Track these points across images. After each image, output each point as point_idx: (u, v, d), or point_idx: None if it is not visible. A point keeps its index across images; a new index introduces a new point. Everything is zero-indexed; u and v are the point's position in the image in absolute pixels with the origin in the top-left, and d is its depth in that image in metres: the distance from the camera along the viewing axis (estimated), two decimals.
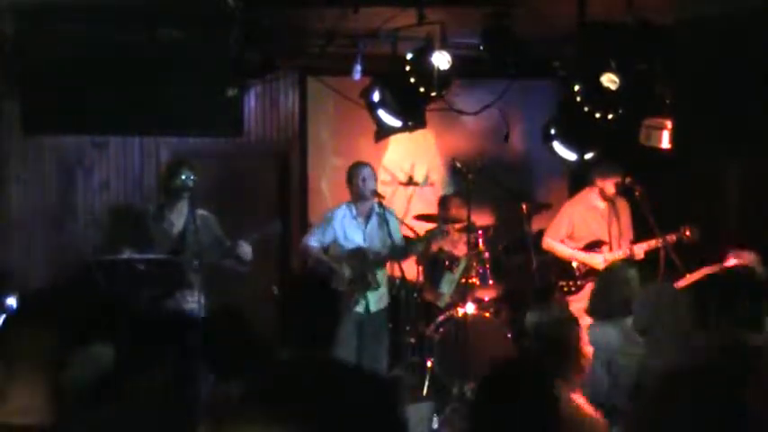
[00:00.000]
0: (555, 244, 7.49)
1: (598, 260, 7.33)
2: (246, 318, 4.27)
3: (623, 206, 7.43)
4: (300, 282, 4.26)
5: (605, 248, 7.37)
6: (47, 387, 2.59)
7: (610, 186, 7.32)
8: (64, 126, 7.48)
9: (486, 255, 7.68)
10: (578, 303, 7.36)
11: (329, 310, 3.73)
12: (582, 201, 7.53)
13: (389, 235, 6.85)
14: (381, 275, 7.05)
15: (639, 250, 7.24)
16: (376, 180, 7.09)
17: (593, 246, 7.42)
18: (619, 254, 7.32)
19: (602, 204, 7.42)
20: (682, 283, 6.99)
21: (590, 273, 7.33)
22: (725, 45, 6.89)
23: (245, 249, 6.62)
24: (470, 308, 7.33)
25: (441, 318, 7.44)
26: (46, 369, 2.60)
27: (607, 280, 5.33)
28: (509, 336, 7.32)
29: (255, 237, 6.74)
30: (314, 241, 7.07)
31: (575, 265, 7.43)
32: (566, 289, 7.43)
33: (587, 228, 7.45)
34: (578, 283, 7.38)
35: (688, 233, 7.14)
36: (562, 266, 7.46)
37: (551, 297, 7.50)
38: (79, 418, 2.96)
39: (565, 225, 7.51)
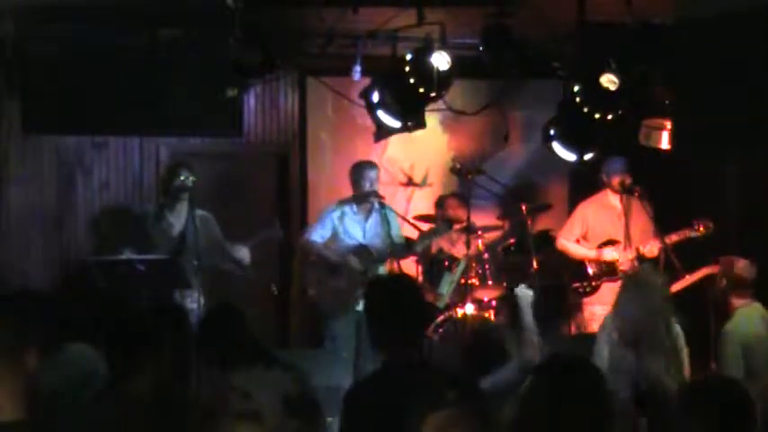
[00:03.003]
0: (568, 244, 7.49)
1: (611, 255, 7.30)
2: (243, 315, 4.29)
3: (639, 206, 7.36)
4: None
5: (618, 248, 7.34)
6: (17, 386, 2.60)
7: (616, 183, 7.32)
8: (64, 126, 7.48)
9: (486, 255, 7.68)
10: (592, 306, 7.32)
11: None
12: (596, 201, 7.54)
13: (389, 233, 6.88)
14: (383, 273, 7.07)
15: (653, 248, 7.20)
16: (379, 180, 7.16)
17: (605, 246, 7.39)
18: (630, 254, 7.27)
19: (617, 203, 7.40)
20: (681, 284, 7.00)
21: (604, 273, 7.31)
22: (725, 45, 6.88)
23: (244, 254, 6.64)
24: (470, 308, 7.33)
25: (440, 318, 7.44)
26: (15, 368, 2.61)
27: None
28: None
29: (256, 241, 6.76)
30: (315, 236, 7.10)
31: (589, 270, 7.41)
32: (581, 290, 7.41)
33: (601, 227, 7.44)
34: (593, 283, 7.37)
35: (702, 228, 7.11)
36: (575, 268, 7.44)
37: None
38: (70, 417, 2.96)
39: (578, 225, 7.51)
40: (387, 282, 4.37)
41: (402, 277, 5.43)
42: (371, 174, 7.08)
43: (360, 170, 7.15)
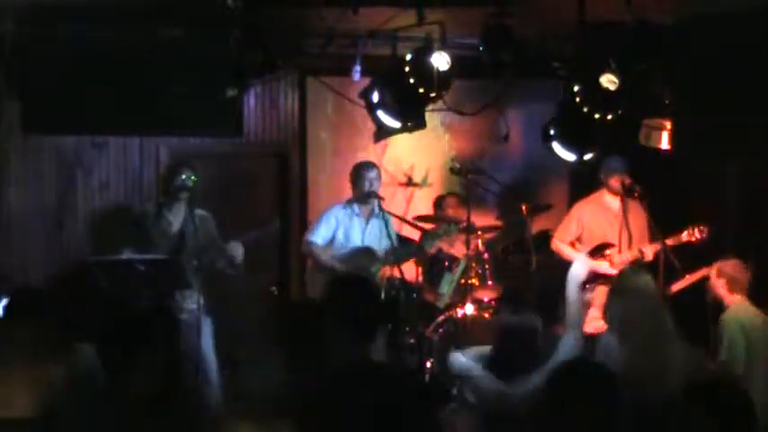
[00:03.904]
0: (563, 246, 7.45)
1: (604, 266, 7.25)
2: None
3: (636, 207, 7.33)
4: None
5: (614, 251, 7.30)
6: (29, 383, 2.61)
7: (614, 183, 7.29)
8: (64, 126, 7.47)
9: (486, 255, 7.67)
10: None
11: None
12: (593, 201, 7.49)
13: (388, 237, 6.89)
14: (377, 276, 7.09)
15: (649, 251, 7.16)
16: (380, 181, 7.16)
17: (599, 249, 7.33)
18: (627, 256, 7.24)
19: (615, 204, 7.37)
20: (680, 285, 6.99)
21: (597, 276, 7.26)
22: (725, 45, 6.88)
23: (237, 251, 6.61)
24: (470, 308, 7.32)
25: (440, 318, 7.44)
26: (28, 366, 2.61)
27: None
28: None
29: (253, 237, 6.74)
30: (317, 238, 7.09)
31: None
32: None
33: (599, 228, 7.39)
34: (586, 285, 7.33)
35: (698, 233, 7.08)
36: None
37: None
38: (70, 416, 2.96)
39: (574, 225, 7.46)
40: (341, 282, 4.36)
41: (357, 277, 5.37)
42: (370, 174, 7.08)
43: (358, 171, 7.16)
